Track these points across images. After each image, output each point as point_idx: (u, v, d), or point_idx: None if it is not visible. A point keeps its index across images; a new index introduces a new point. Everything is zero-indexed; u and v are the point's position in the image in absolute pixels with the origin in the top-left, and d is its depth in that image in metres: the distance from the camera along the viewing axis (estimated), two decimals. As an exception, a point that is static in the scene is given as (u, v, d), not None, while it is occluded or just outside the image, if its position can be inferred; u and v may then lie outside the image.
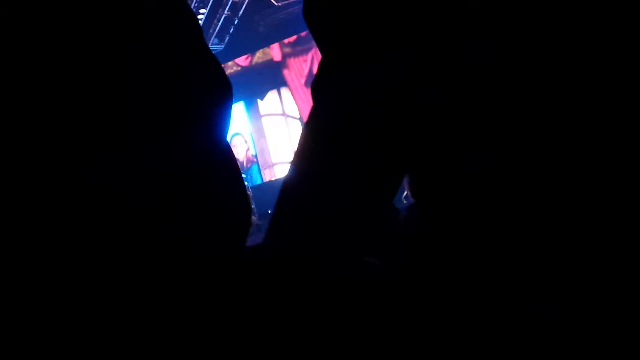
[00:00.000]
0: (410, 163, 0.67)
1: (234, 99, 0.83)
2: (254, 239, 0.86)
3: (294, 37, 12.93)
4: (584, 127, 0.51)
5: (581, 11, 0.51)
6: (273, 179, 12.61)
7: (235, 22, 11.85)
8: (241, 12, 11.61)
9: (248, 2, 11.33)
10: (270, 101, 13.50)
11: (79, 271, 0.64)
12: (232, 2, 11.17)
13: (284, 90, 13.29)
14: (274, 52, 13.22)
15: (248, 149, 13.30)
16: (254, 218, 8.48)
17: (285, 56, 13.18)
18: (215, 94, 0.77)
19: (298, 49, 13.03)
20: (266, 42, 13.03)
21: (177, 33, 0.73)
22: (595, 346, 0.54)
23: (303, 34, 12.73)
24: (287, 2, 11.86)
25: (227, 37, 12.18)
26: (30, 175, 0.63)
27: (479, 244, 0.61)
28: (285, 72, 13.21)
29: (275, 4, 11.77)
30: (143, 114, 0.69)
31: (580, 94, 0.51)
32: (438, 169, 0.65)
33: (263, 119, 13.53)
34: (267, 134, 13.34)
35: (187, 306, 0.69)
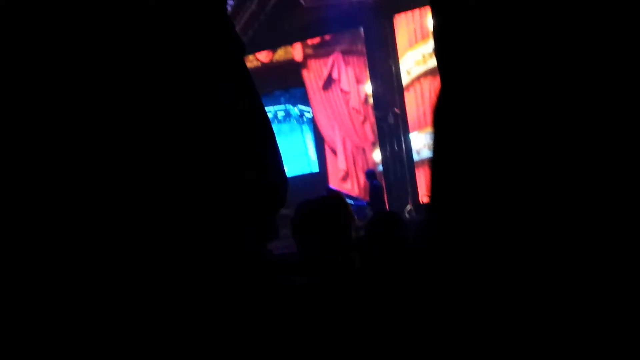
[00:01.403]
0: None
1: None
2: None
3: (317, 39, 12.96)
4: (585, 127, 0.50)
5: (581, 11, 0.50)
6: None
7: (261, 18, 11.89)
8: (268, 7, 11.65)
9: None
10: (286, 100, 13.53)
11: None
12: (261, -3, 11.23)
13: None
14: (296, 51, 13.25)
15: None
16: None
17: (306, 57, 13.20)
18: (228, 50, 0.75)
19: (320, 52, 13.05)
20: (289, 41, 13.06)
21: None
22: (595, 346, 0.53)
23: (327, 37, 12.76)
24: (314, 5, 11.88)
25: (251, 31, 12.22)
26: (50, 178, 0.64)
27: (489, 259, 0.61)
28: (305, 72, 13.23)
29: (303, 4, 11.79)
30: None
31: (582, 93, 0.50)
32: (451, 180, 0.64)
33: (277, 116, 13.56)
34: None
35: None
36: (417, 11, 11.29)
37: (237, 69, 0.75)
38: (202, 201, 0.67)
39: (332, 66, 12.88)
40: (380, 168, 11.90)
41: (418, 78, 11.24)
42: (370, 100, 12.34)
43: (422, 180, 11.03)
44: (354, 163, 12.77)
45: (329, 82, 12.94)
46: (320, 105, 13.04)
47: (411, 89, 11.50)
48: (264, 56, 13.37)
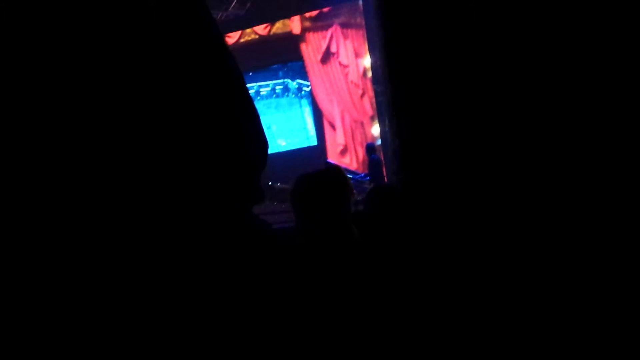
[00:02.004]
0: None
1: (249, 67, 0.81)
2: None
3: (315, 12, 12.81)
4: (584, 126, 0.51)
5: (581, 11, 0.51)
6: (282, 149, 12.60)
7: (259, -10, 11.73)
8: (266, -20, 11.48)
9: (274, -29, 11.21)
10: (284, 73, 13.41)
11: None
12: (258, -31, 11.06)
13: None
14: (294, 24, 13.12)
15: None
16: (278, 184, 8.47)
17: (304, 30, 13.07)
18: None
19: (318, 25, 12.91)
20: (287, 14, 12.92)
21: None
22: (594, 345, 0.55)
23: (325, 10, 12.61)
24: (313, -25, 11.72)
25: (249, 4, 12.06)
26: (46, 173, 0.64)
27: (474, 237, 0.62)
28: (303, 46, 13.11)
29: (301, -24, 11.63)
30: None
31: (581, 93, 0.51)
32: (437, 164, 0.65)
33: (275, 90, 13.47)
34: (277, 106, 13.29)
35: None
36: (416, -17, 11.14)
37: (204, 28, 0.75)
38: (185, 164, 0.67)
39: (331, 39, 12.75)
40: (379, 142, 11.88)
41: (417, 51, 11.12)
42: (369, 74, 12.25)
43: (421, 154, 11.01)
44: (353, 137, 12.73)
45: (327, 56, 12.83)
46: (318, 79, 12.95)
47: (410, 63, 11.40)
48: (261, 29, 13.23)
